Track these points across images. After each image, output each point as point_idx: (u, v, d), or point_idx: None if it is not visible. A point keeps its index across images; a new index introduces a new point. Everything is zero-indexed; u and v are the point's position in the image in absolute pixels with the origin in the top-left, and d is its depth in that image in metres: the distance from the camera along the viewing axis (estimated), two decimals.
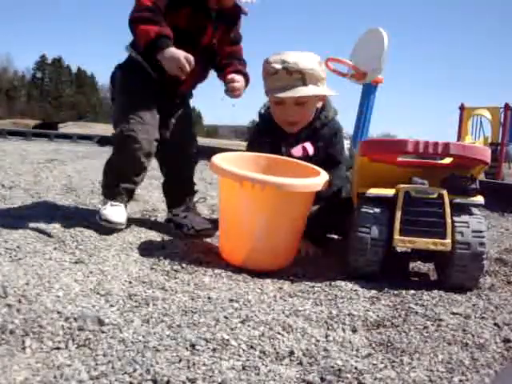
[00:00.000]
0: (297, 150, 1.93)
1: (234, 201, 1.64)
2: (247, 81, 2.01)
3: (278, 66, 1.79)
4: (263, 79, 1.90)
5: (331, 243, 2.02)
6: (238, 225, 1.63)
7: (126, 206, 1.95)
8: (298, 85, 1.80)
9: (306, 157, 1.92)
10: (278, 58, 1.81)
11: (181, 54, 1.74)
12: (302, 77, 1.79)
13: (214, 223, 2.10)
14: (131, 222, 2.15)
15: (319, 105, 1.93)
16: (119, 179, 1.90)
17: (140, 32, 1.75)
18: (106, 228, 1.83)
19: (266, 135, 2.00)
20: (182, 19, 1.84)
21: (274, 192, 1.53)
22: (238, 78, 1.95)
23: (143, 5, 1.75)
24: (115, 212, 1.87)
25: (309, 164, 1.79)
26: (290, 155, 1.93)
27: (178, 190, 2.15)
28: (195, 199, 2.20)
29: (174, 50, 1.74)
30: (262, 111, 2.04)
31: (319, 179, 1.64)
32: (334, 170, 1.88)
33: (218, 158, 1.68)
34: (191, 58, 1.75)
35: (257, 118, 2.08)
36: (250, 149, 2.02)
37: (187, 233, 1.97)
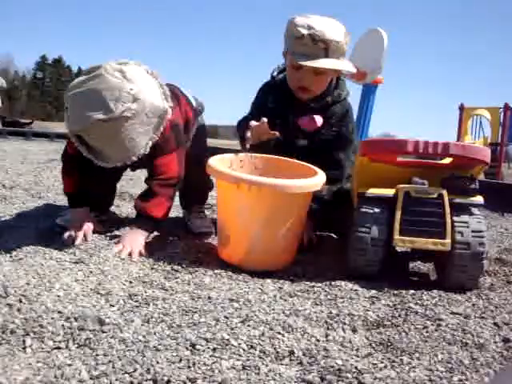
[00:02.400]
0: (305, 120, 1.91)
1: (231, 202, 1.64)
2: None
3: (305, 31, 1.75)
4: (285, 39, 1.86)
5: (330, 240, 2.02)
6: (236, 226, 1.63)
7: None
8: (320, 54, 1.78)
9: (312, 131, 1.90)
10: (305, 22, 1.77)
11: (78, 227, 1.72)
12: (325, 47, 1.77)
13: (215, 224, 2.11)
14: (131, 221, 2.15)
15: (334, 79, 1.94)
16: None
17: (62, 180, 1.86)
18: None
19: (275, 99, 1.95)
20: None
21: (270, 193, 1.53)
22: None
23: (67, 154, 1.80)
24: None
25: (306, 164, 1.78)
26: (296, 124, 1.91)
27: (184, 194, 2.16)
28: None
29: (74, 216, 1.79)
30: (275, 73, 2.01)
31: (316, 179, 1.64)
32: (346, 149, 1.90)
33: (214, 160, 1.68)
34: (88, 234, 1.72)
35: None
36: (252, 111, 1.99)
37: (189, 236, 1.98)
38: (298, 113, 1.92)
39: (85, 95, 1.53)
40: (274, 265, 1.63)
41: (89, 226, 1.76)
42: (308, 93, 1.91)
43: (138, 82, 1.58)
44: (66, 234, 1.73)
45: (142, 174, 3.82)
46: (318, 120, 1.90)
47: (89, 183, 1.81)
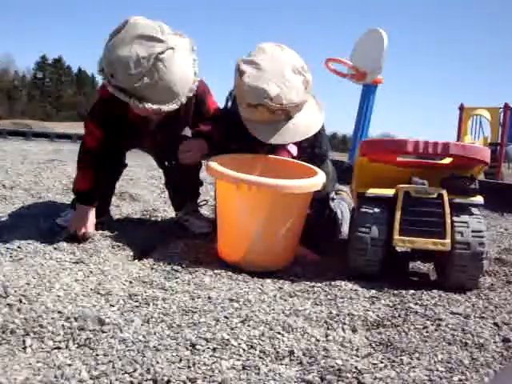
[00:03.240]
0: (282, 153, 1.80)
1: (231, 203, 1.65)
2: (209, 143, 1.84)
3: (259, 101, 1.59)
4: (235, 85, 1.69)
5: (330, 245, 2.02)
6: (236, 226, 1.63)
7: None
8: (281, 122, 1.64)
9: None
10: (257, 85, 1.59)
11: (81, 227, 1.75)
12: (286, 113, 1.63)
13: (214, 223, 2.10)
14: (131, 221, 2.15)
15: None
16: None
17: (76, 174, 1.91)
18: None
19: (237, 140, 1.81)
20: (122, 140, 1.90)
21: (270, 193, 1.53)
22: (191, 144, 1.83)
23: (85, 147, 1.86)
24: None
25: (306, 164, 1.78)
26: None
27: (179, 194, 2.16)
28: (198, 200, 2.20)
29: (87, 215, 1.79)
30: (230, 104, 1.87)
31: (316, 179, 1.63)
32: (322, 165, 1.83)
33: (213, 161, 1.68)
34: (88, 235, 1.76)
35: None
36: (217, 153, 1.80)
37: (189, 236, 1.98)
38: (268, 149, 1.78)
39: (132, 43, 1.56)
40: (273, 265, 1.63)
41: (91, 227, 1.78)
42: None
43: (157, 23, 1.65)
44: (67, 230, 1.76)
45: (142, 174, 3.84)
46: (293, 150, 1.82)
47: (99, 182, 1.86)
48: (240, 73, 1.64)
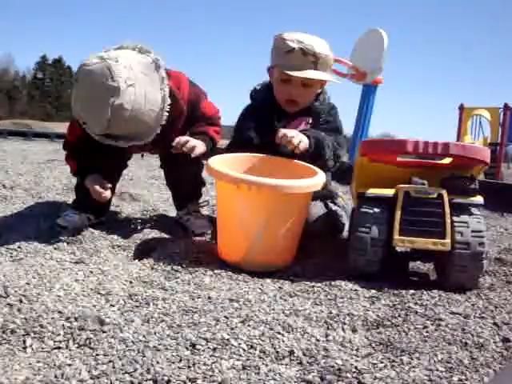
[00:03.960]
0: (295, 125, 1.91)
1: (231, 203, 1.65)
2: (212, 141, 1.95)
3: (295, 45, 1.79)
4: (272, 54, 1.90)
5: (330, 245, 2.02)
6: (236, 226, 1.63)
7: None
8: (309, 67, 1.82)
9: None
10: (293, 37, 1.82)
11: (93, 186, 1.81)
12: (315, 60, 1.81)
13: (214, 223, 2.11)
14: (131, 221, 2.15)
15: (319, 90, 1.95)
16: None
17: (68, 165, 1.99)
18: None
19: (261, 112, 1.96)
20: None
21: (270, 193, 1.53)
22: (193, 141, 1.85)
23: (68, 142, 1.95)
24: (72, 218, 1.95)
25: (306, 164, 1.78)
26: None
27: (181, 194, 2.15)
28: (200, 201, 2.20)
29: (89, 180, 1.84)
30: (258, 87, 2.04)
31: (316, 179, 1.63)
32: (336, 136, 1.91)
33: (213, 161, 1.68)
34: (107, 185, 1.84)
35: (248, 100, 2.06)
36: (238, 126, 2.00)
37: (189, 236, 1.98)
38: (286, 124, 1.92)
39: (88, 103, 1.64)
40: (273, 265, 1.63)
41: (106, 185, 1.84)
42: (296, 105, 1.93)
43: (112, 54, 1.65)
44: (94, 189, 1.80)
45: (142, 174, 3.84)
46: (301, 126, 1.93)
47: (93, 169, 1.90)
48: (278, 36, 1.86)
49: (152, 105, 1.66)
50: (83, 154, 1.90)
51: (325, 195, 2.07)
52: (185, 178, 2.07)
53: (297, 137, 1.72)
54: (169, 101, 1.70)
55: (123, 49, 1.73)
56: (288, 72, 1.81)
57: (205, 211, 2.40)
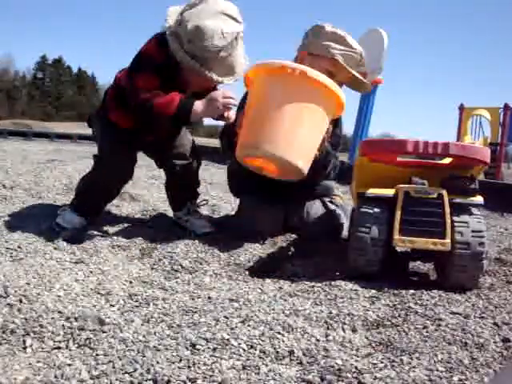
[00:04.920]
0: None
1: (267, 91, 1.62)
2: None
3: (358, 47, 1.91)
4: (326, 44, 1.88)
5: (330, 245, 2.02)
6: (268, 114, 1.57)
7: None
8: (357, 69, 1.93)
9: None
10: (354, 41, 1.91)
11: (218, 95, 1.73)
12: (361, 63, 1.94)
13: (216, 224, 2.11)
14: (131, 221, 2.16)
15: None
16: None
17: (161, 105, 1.70)
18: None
19: None
20: None
21: (304, 81, 1.54)
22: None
23: (147, 91, 1.72)
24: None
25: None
26: None
27: (180, 194, 2.15)
28: (198, 201, 2.20)
29: (199, 103, 1.73)
30: None
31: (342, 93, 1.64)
32: (337, 147, 1.99)
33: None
34: (228, 93, 1.76)
35: None
36: (241, 104, 1.96)
37: (189, 236, 1.97)
38: None
39: (216, 17, 1.68)
40: (293, 164, 1.57)
41: (226, 95, 1.77)
42: None
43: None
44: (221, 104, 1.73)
45: (142, 174, 3.83)
46: None
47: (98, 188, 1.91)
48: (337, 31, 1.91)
49: (242, 61, 1.81)
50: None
51: (322, 193, 2.08)
52: (184, 178, 2.07)
53: None
54: (244, 68, 1.81)
55: None
56: (348, 68, 1.88)
57: (204, 211, 2.40)
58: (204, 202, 2.21)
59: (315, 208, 2.03)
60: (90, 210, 1.98)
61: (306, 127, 1.59)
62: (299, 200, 2.06)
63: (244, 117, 1.68)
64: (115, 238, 1.81)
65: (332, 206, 2.06)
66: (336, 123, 1.99)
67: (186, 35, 1.67)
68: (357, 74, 1.92)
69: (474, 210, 1.52)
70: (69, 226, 1.89)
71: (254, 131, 1.61)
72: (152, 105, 1.69)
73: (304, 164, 1.62)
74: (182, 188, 2.12)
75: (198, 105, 1.72)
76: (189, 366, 0.93)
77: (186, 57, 1.68)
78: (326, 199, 2.10)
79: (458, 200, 1.52)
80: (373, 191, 1.56)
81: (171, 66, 1.74)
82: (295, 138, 1.57)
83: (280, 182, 1.80)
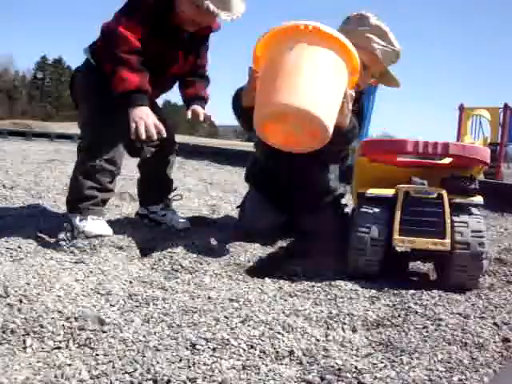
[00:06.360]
0: None
1: (282, 53, 1.52)
2: (206, 101, 2.02)
3: (399, 50, 1.88)
4: (367, 35, 1.86)
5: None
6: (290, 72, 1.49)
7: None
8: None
9: None
10: (395, 37, 1.89)
11: (151, 122, 1.66)
12: (395, 62, 1.91)
13: (201, 220, 2.13)
14: (131, 221, 2.16)
15: None
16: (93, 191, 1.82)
17: (120, 76, 1.66)
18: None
19: None
20: (155, 47, 1.77)
21: (319, 36, 1.48)
22: (199, 109, 1.94)
23: (130, 45, 1.67)
24: (100, 226, 1.80)
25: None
26: None
27: (156, 188, 2.14)
28: (171, 196, 2.20)
29: (146, 112, 1.68)
30: None
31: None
32: (361, 121, 1.97)
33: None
34: (161, 127, 1.69)
35: None
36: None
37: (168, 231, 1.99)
38: None
39: None
40: (318, 122, 1.46)
41: (154, 119, 1.70)
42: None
43: None
44: (133, 129, 1.65)
45: None
46: None
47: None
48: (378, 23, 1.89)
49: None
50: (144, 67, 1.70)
51: (335, 197, 2.08)
52: (159, 173, 2.07)
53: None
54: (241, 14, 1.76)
55: None
56: (384, 64, 1.87)
57: (204, 211, 2.41)
58: (178, 197, 2.20)
59: (329, 213, 2.03)
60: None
61: (325, 80, 1.50)
62: (310, 204, 2.08)
63: (259, 81, 1.58)
64: (115, 237, 1.81)
65: (346, 210, 2.08)
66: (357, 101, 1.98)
67: None
68: (391, 71, 1.92)
69: (474, 210, 1.52)
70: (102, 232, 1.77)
71: (274, 89, 1.49)
72: (115, 68, 1.65)
73: (327, 120, 1.50)
74: (160, 182, 2.11)
75: (140, 110, 1.66)
76: (189, 366, 0.93)
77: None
78: (339, 203, 2.11)
79: (457, 200, 1.52)
80: (373, 191, 1.56)
81: (164, 5, 1.72)
82: (317, 91, 1.47)
83: (292, 184, 1.89)
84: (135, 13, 1.70)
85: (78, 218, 1.81)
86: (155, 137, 1.67)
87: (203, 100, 2.00)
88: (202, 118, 1.92)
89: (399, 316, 1.26)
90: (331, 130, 1.50)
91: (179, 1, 1.73)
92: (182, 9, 1.74)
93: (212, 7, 1.66)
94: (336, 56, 1.54)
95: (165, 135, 1.71)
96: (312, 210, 2.03)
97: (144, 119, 1.66)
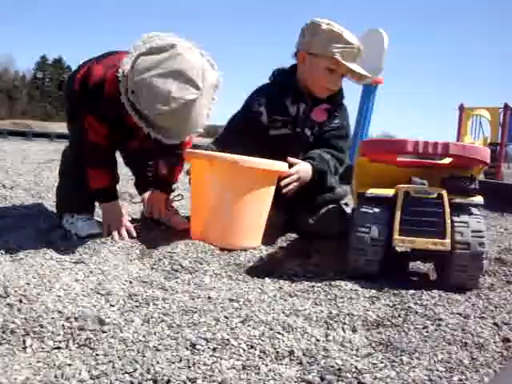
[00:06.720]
0: (319, 114, 2.06)
1: (202, 179, 1.81)
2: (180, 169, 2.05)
3: (355, 41, 1.93)
4: (314, 42, 1.96)
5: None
6: (203, 201, 1.81)
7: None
8: (354, 61, 1.98)
9: (320, 121, 2.07)
10: (351, 35, 1.94)
11: (122, 226, 1.78)
12: (357, 54, 1.97)
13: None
14: (131, 222, 2.15)
15: None
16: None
17: (90, 174, 1.76)
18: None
19: (285, 94, 2.05)
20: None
21: (230, 167, 1.69)
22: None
23: (93, 144, 1.73)
24: (90, 226, 1.84)
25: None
26: (309, 116, 2.05)
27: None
28: (171, 196, 2.20)
29: (117, 211, 1.81)
30: (283, 68, 2.12)
31: (278, 165, 1.77)
32: (346, 139, 2.10)
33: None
34: (132, 229, 1.81)
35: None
36: (248, 100, 2.08)
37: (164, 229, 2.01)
38: (311, 106, 2.07)
39: (170, 76, 1.50)
40: (232, 242, 1.77)
41: (127, 222, 1.80)
42: (330, 92, 2.06)
43: (200, 58, 1.62)
44: (115, 235, 1.76)
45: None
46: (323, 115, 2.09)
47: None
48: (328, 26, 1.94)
49: (194, 124, 1.64)
50: (113, 161, 1.80)
51: (336, 198, 2.09)
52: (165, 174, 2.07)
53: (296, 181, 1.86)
54: (203, 127, 1.70)
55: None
56: (348, 64, 1.92)
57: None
58: (179, 198, 2.20)
59: (330, 212, 2.03)
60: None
61: (248, 210, 1.77)
62: (312, 204, 2.09)
63: (192, 200, 1.88)
64: (115, 237, 1.81)
65: (347, 210, 2.08)
66: (332, 115, 2.08)
67: (132, 85, 1.53)
68: (355, 68, 1.95)
69: (474, 210, 1.52)
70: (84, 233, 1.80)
71: (201, 220, 1.82)
72: (84, 164, 1.76)
73: (253, 240, 1.83)
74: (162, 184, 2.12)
75: (112, 208, 1.80)
76: (189, 366, 0.93)
77: (128, 105, 1.56)
78: (340, 203, 2.12)
79: (457, 200, 1.52)
80: (373, 191, 1.56)
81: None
82: (239, 225, 1.77)
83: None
84: (97, 111, 1.71)
85: (66, 219, 1.87)
86: (127, 238, 1.77)
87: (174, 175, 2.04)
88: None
89: (399, 316, 1.26)
90: (260, 233, 1.85)
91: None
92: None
93: (153, 134, 1.60)
94: (259, 181, 1.77)
95: (134, 236, 1.81)
96: (313, 210, 2.04)
97: (116, 224, 1.79)
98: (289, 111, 2.03)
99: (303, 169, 1.89)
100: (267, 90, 2.09)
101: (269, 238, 1.96)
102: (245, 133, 2.01)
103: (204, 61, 1.63)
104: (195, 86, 1.53)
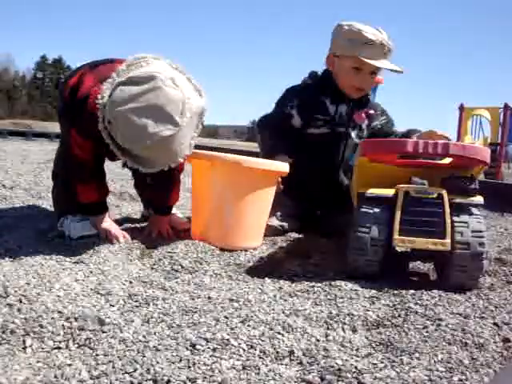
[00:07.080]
0: (361, 116, 2.14)
1: (202, 179, 1.86)
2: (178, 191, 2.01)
3: (374, 38, 1.93)
4: (340, 44, 2.01)
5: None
6: (204, 201, 1.84)
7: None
8: (383, 57, 1.98)
9: (361, 122, 2.14)
10: (370, 29, 1.95)
11: (114, 232, 1.78)
12: (387, 51, 1.98)
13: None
14: (131, 221, 2.15)
15: None
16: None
17: (78, 189, 1.75)
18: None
19: (324, 94, 2.11)
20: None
21: (232, 168, 1.73)
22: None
23: (79, 159, 1.69)
24: (84, 227, 1.83)
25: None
26: (352, 118, 2.11)
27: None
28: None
29: (108, 222, 1.81)
30: (317, 72, 2.18)
31: (278, 165, 1.81)
32: (396, 131, 2.20)
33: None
34: (126, 234, 1.81)
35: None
36: (280, 101, 2.14)
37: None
38: (349, 108, 2.13)
39: (146, 111, 1.45)
40: (231, 243, 1.79)
41: (120, 232, 1.81)
42: (362, 92, 2.10)
43: (184, 87, 1.54)
44: (104, 237, 1.77)
45: None
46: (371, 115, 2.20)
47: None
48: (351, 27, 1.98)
49: (172, 156, 1.57)
50: (101, 175, 1.79)
51: None
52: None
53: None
54: (186, 156, 1.63)
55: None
56: (370, 61, 1.93)
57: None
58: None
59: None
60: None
61: (249, 211, 1.80)
62: (336, 204, 2.14)
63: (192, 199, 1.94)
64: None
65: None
66: (373, 116, 2.16)
67: (108, 115, 1.48)
68: (382, 64, 1.96)
69: (474, 210, 1.52)
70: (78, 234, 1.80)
71: (201, 220, 1.86)
72: (72, 184, 1.75)
73: (254, 241, 1.86)
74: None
75: (104, 222, 1.80)
76: (189, 366, 0.93)
77: (104, 133, 1.52)
78: None
79: (457, 200, 1.52)
80: (373, 191, 1.56)
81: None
82: (240, 225, 1.79)
83: (318, 184, 2.09)
84: (83, 129, 1.65)
85: (61, 220, 1.86)
86: (122, 241, 1.77)
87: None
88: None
89: (399, 316, 1.26)
90: (261, 233, 1.89)
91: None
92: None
93: (130, 164, 1.57)
94: (260, 182, 1.80)
95: (129, 239, 1.81)
96: (339, 210, 2.06)
97: (109, 230, 1.79)
98: (329, 111, 2.08)
99: None
100: (303, 91, 2.14)
101: (269, 238, 1.96)
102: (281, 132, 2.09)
103: (189, 89, 1.56)
104: (173, 122, 1.47)
